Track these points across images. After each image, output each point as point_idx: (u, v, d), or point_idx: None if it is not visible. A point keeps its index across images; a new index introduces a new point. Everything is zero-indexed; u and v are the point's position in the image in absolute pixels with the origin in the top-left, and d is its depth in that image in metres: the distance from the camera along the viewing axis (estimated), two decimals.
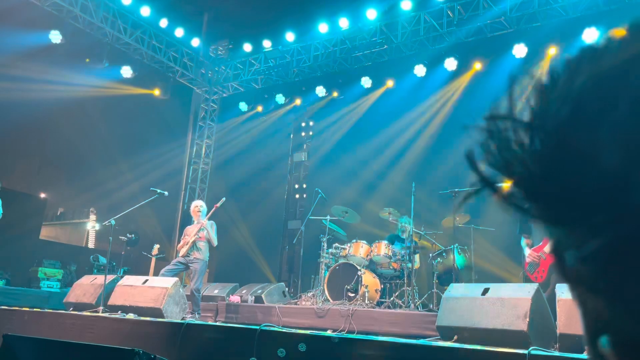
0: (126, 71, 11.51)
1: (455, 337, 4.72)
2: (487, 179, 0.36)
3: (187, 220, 9.24)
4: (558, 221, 0.34)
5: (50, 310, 6.49)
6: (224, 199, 7.54)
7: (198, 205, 7.53)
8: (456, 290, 5.20)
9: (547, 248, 6.13)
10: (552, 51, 8.87)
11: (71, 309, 6.94)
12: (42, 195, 16.10)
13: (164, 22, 11.47)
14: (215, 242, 7.31)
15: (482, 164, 0.37)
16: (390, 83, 10.86)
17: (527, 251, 5.98)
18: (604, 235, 0.31)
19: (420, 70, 10.20)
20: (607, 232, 0.30)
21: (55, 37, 10.55)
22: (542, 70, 0.37)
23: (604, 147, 0.30)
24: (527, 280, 6.07)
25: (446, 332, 4.88)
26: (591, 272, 0.32)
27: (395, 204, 8.34)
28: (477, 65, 9.78)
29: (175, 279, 6.80)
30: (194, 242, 7.16)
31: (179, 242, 7.77)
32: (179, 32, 11.84)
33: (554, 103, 0.34)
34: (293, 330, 4.69)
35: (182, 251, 7.17)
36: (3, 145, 12.40)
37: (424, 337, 5.40)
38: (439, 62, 10.02)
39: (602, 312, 0.33)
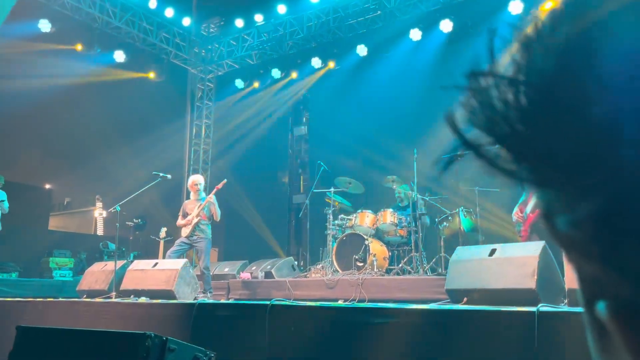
0: (119, 55, 11.40)
1: (465, 299, 4.76)
2: (470, 142, 0.34)
3: None
4: (546, 184, 0.32)
5: (64, 299, 6.58)
6: (225, 180, 7.54)
7: (196, 181, 7.54)
8: (463, 253, 5.22)
9: (529, 206, 6.13)
10: (549, 5, 8.68)
11: (84, 296, 7.04)
12: (47, 186, 16.16)
13: (153, 3, 11.28)
14: (218, 217, 7.34)
15: (465, 126, 0.35)
16: (386, 49, 10.71)
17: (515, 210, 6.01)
18: (595, 197, 0.29)
19: (416, 34, 10.04)
20: (598, 194, 0.28)
21: (45, 26, 10.43)
22: (526, 21, 0.35)
23: (592, 101, 0.28)
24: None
25: (455, 295, 4.92)
26: (584, 237, 0.30)
27: (398, 171, 8.32)
28: (473, 26, 9.60)
29: (185, 260, 6.87)
30: (196, 223, 7.19)
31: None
32: (169, 12, 11.66)
33: (539, 56, 0.32)
34: (303, 303, 4.74)
35: (185, 232, 7.21)
36: (3, 138, 12.39)
37: (435, 301, 5.45)
38: (434, 24, 9.85)
39: (598, 277, 0.31)
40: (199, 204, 7.27)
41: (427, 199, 7.77)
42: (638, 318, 0.30)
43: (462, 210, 7.23)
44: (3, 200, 8.67)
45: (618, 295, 0.30)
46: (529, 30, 0.33)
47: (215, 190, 7.42)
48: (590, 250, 0.30)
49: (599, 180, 0.28)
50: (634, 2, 0.29)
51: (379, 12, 10.44)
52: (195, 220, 7.18)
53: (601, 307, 0.32)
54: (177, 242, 7.34)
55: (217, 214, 7.28)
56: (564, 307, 3.90)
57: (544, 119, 0.30)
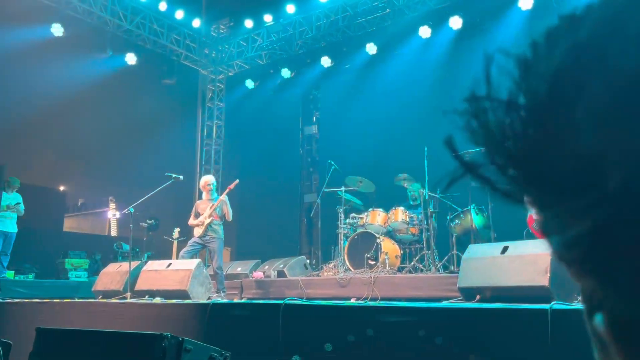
0: (131, 58, 11.51)
1: (478, 297, 4.76)
2: (468, 164, 0.35)
3: None
4: (539, 206, 0.33)
5: (80, 300, 6.67)
6: (237, 180, 7.58)
7: (208, 181, 7.59)
8: (475, 250, 5.21)
9: None
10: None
11: (100, 297, 7.13)
12: (62, 187, 16.37)
13: (163, 6, 11.38)
14: (230, 217, 7.38)
15: (467, 145, 0.36)
16: (395, 48, 10.69)
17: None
18: (584, 221, 0.30)
19: (425, 31, 10.02)
20: (587, 217, 0.30)
21: (57, 30, 10.55)
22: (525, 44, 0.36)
23: (581, 129, 0.29)
24: (529, 237, 6.07)
25: (468, 293, 4.92)
26: (576, 257, 0.32)
27: (409, 170, 8.31)
28: (483, 22, 9.56)
29: (198, 260, 6.92)
30: (209, 224, 7.24)
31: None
32: (179, 14, 11.75)
33: (533, 80, 0.33)
34: (316, 302, 4.77)
35: (198, 232, 7.27)
36: (18, 141, 12.56)
37: (447, 299, 5.45)
38: (443, 21, 9.82)
39: (595, 291, 0.32)
40: (211, 204, 7.32)
41: (439, 196, 7.75)
42: (632, 332, 0.31)
43: (473, 208, 7.21)
44: (19, 203, 8.80)
45: (613, 308, 0.31)
46: (526, 53, 0.34)
47: (227, 190, 7.47)
48: (584, 267, 0.32)
49: (587, 205, 0.29)
50: (621, 30, 0.30)
51: (387, 10, 10.43)
52: (208, 220, 7.23)
53: (599, 319, 0.33)
54: (190, 242, 7.40)
55: (230, 214, 7.33)
56: (577, 305, 3.89)
57: (536, 144, 0.32)
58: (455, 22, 9.65)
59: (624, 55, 0.29)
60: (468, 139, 0.35)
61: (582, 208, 0.30)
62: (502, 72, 0.34)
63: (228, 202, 7.36)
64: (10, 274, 9.16)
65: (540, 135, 0.32)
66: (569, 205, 0.31)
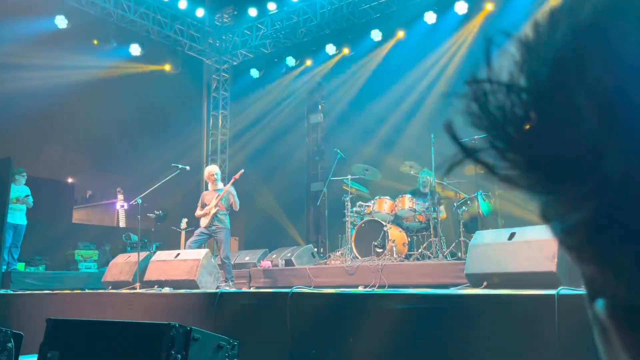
0: (135, 49, 11.51)
1: (485, 284, 4.76)
2: (468, 148, 0.34)
3: None
4: (539, 192, 0.33)
5: (90, 291, 6.74)
6: (242, 170, 7.59)
7: (212, 171, 7.61)
8: (482, 237, 5.20)
9: None
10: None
11: (110, 287, 7.19)
12: (70, 179, 16.47)
13: None
14: (237, 207, 7.40)
15: (467, 129, 0.36)
16: (400, 34, 10.60)
17: None
18: (585, 207, 0.30)
19: (430, 17, 9.92)
20: (588, 204, 0.29)
21: (61, 22, 10.56)
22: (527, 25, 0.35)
23: (582, 114, 0.29)
24: None
25: (475, 279, 4.92)
26: (577, 243, 0.31)
27: (415, 157, 8.28)
28: (489, 6, 9.46)
29: (206, 250, 6.96)
30: (215, 214, 7.26)
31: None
32: (182, 4, 11.70)
33: (535, 63, 0.32)
34: (324, 290, 4.79)
35: (204, 222, 7.29)
36: (25, 134, 12.62)
37: (455, 285, 5.45)
38: (449, 6, 9.72)
39: (596, 276, 0.32)
40: (217, 195, 7.34)
41: (446, 183, 7.73)
42: (633, 317, 0.31)
43: (480, 194, 7.19)
44: (28, 195, 8.87)
45: (615, 294, 0.31)
46: (528, 35, 0.33)
47: (232, 180, 7.48)
48: (584, 254, 0.31)
49: (588, 191, 0.29)
50: (623, 13, 0.29)
51: None
52: (214, 210, 7.25)
53: (600, 305, 0.33)
54: (197, 232, 7.43)
55: (236, 203, 7.35)
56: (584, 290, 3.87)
57: (537, 128, 0.31)
58: (461, 7, 9.55)
59: (626, 39, 0.28)
60: (469, 123, 0.34)
61: (583, 194, 0.29)
62: (504, 54, 0.33)
63: (234, 192, 7.38)
64: (20, 266, 9.26)
65: (541, 119, 0.31)
66: (569, 191, 0.30)
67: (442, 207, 7.69)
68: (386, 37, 10.68)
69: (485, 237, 5.16)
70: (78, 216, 17.14)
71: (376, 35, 10.64)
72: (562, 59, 0.31)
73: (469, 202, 7.41)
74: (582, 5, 0.31)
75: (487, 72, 0.33)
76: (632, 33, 0.28)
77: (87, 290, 6.90)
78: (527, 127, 0.32)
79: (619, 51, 0.28)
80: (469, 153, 0.34)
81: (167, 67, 12.18)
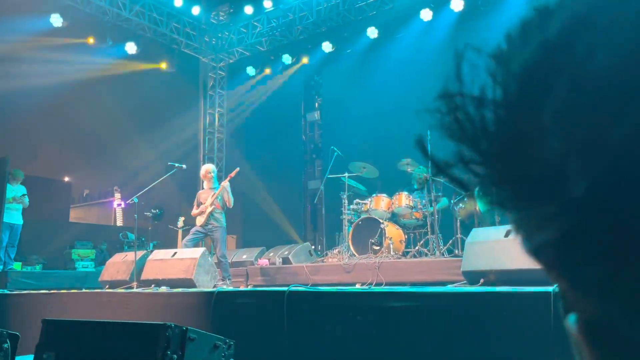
0: (131, 47, 11.47)
1: (482, 281, 4.77)
2: (439, 164, 0.34)
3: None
4: (508, 208, 0.32)
5: (87, 290, 6.73)
6: (238, 168, 7.58)
7: (209, 169, 7.60)
8: (478, 234, 5.22)
9: None
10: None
11: (107, 286, 7.19)
12: (66, 178, 16.42)
13: None
14: (232, 204, 7.38)
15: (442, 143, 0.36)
16: (397, 31, 10.60)
17: None
18: (549, 228, 0.29)
19: (426, 14, 9.92)
20: (552, 225, 0.29)
21: (57, 20, 10.52)
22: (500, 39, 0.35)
23: (547, 132, 0.28)
24: None
25: (472, 277, 4.93)
26: (545, 261, 0.31)
27: (413, 155, 8.28)
28: (485, 3, 9.46)
29: (203, 248, 6.96)
30: (210, 212, 7.24)
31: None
32: (178, 2, 11.67)
33: (505, 76, 0.31)
34: (321, 288, 4.79)
35: (200, 221, 7.28)
36: (22, 133, 12.58)
37: (452, 282, 5.47)
38: (445, 3, 9.72)
39: (567, 292, 0.32)
40: (212, 193, 7.33)
41: (442, 180, 7.73)
42: (600, 334, 0.31)
43: (477, 191, 7.19)
44: (24, 195, 8.85)
45: (584, 310, 0.31)
46: (500, 47, 0.33)
47: (228, 178, 7.47)
48: (554, 272, 0.31)
49: (552, 212, 0.29)
50: (590, 30, 0.28)
51: None
52: (210, 209, 7.24)
53: (571, 320, 0.33)
54: (192, 230, 7.42)
55: (230, 200, 7.32)
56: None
57: (505, 144, 0.31)
58: (457, 4, 9.55)
59: (591, 58, 0.28)
60: (442, 136, 0.34)
61: (548, 215, 0.29)
62: (476, 67, 0.33)
63: (229, 189, 7.36)
64: (17, 266, 9.24)
65: (509, 135, 0.31)
66: (534, 212, 0.30)
67: (440, 198, 7.69)
68: (382, 34, 10.68)
69: (482, 234, 5.17)
70: (75, 215, 17.09)
71: (372, 32, 10.64)
72: (530, 75, 0.30)
73: (466, 198, 7.42)
74: (550, 21, 0.31)
75: (459, 85, 0.33)
76: (598, 52, 0.27)
77: (84, 290, 6.89)
78: (497, 142, 0.31)
79: (584, 70, 0.28)
80: (442, 168, 0.34)
81: (163, 65, 12.15)
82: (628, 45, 0.27)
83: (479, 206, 7.13)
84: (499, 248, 4.73)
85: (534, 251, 0.31)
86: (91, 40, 11.26)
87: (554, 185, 0.28)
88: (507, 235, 4.77)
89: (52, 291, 6.65)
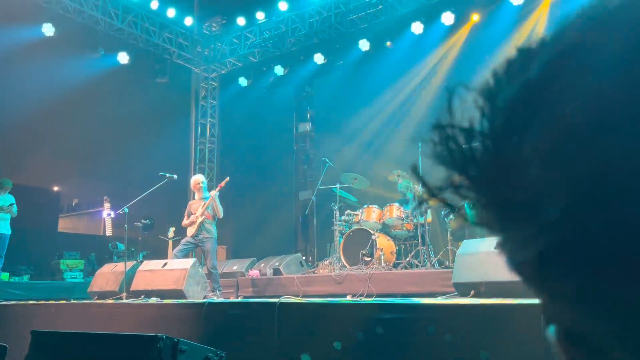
0: (123, 57, 11.47)
1: (472, 292, 4.79)
2: (433, 189, 0.38)
3: None
4: (493, 229, 0.36)
5: (76, 301, 6.67)
6: (227, 178, 7.58)
7: (198, 180, 7.58)
8: (469, 246, 5.24)
9: None
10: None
11: (96, 297, 7.12)
12: (56, 188, 16.30)
13: (154, 4, 11.33)
14: (221, 214, 7.36)
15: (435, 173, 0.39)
16: (388, 44, 10.70)
17: None
18: (529, 247, 0.32)
19: (417, 27, 10.02)
20: (532, 244, 0.32)
21: (48, 30, 10.50)
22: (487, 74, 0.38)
23: (528, 163, 0.32)
24: None
25: (462, 288, 4.95)
26: (527, 276, 0.34)
27: (403, 166, 8.33)
28: (475, 17, 9.59)
29: (194, 259, 6.93)
30: (201, 222, 7.21)
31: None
32: (171, 13, 11.70)
33: (491, 111, 0.35)
34: (312, 300, 4.79)
35: (191, 231, 7.24)
36: (11, 142, 12.50)
37: (442, 294, 5.48)
38: (436, 17, 9.83)
39: (547, 305, 0.35)
40: (203, 204, 7.31)
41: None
42: (576, 344, 0.34)
43: (468, 203, 7.23)
44: (12, 204, 8.76)
45: (563, 322, 0.35)
46: (488, 83, 0.36)
47: (218, 188, 7.46)
48: (534, 286, 0.34)
49: (532, 232, 0.32)
50: (565, 75, 0.32)
51: (380, 6, 10.43)
52: (200, 219, 7.21)
53: (551, 331, 0.36)
54: (183, 241, 7.37)
55: (219, 210, 7.30)
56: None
57: (492, 172, 0.34)
58: (448, 18, 9.67)
59: (564, 99, 0.31)
60: (435, 163, 0.37)
61: (528, 235, 0.32)
62: (465, 102, 0.37)
63: (217, 199, 7.33)
64: (5, 276, 9.13)
65: (494, 164, 0.34)
66: (518, 232, 0.33)
67: (429, 212, 7.72)
68: (374, 47, 10.77)
69: (473, 246, 5.20)
70: (64, 225, 16.95)
71: (364, 45, 10.72)
72: (513, 111, 0.34)
73: (459, 218, 7.44)
74: (531, 62, 0.34)
75: (450, 118, 0.37)
76: (570, 94, 0.31)
77: (72, 301, 6.82)
78: (484, 170, 0.35)
79: (558, 109, 0.31)
80: (434, 192, 0.38)
81: (156, 76, 12.14)
82: (594, 89, 0.30)
83: (469, 221, 7.16)
84: (489, 260, 4.75)
85: (517, 268, 0.35)
86: (83, 50, 11.24)
87: (533, 209, 0.32)
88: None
89: (40, 302, 6.58)
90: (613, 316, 0.30)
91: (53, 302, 6.45)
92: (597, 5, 0.33)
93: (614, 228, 0.29)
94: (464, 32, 9.82)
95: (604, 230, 0.29)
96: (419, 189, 7.61)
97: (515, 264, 0.35)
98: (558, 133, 0.31)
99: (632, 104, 0.29)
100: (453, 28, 9.81)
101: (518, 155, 0.32)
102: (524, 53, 0.36)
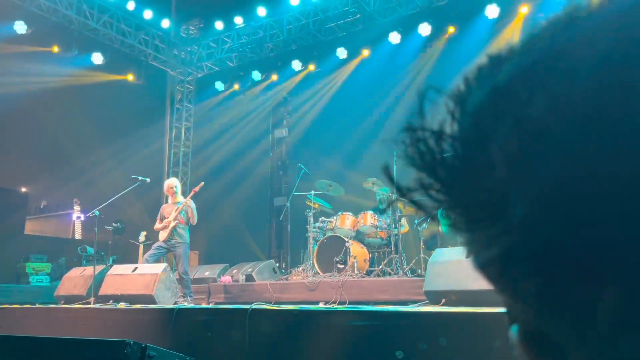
0: (97, 58, 11.29)
1: (443, 301, 4.83)
2: (403, 189, 0.38)
3: None
4: (459, 229, 0.37)
5: (41, 306, 6.49)
6: (202, 183, 7.51)
7: (172, 184, 7.50)
8: (441, 254, 5.29)
9: None
10: (524, 10, 8.87)
11: (62, 302, 6.95)
12: (23, 189, 15.86)
13: (131, 5, 11.19)
14: (195, 221, 7.28)
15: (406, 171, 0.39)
16: (365, 53, 10.79)
17: None
18: (493, 246, 0.33)
19: (395, 37, 10.13)
20: (496, 243, 0.33)
21: (21, 27, 10.27)
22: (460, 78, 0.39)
23: (494, 166, 0.33)
24: None
25: (434, 297, 4.99)
26: (490, 276, 0.35)
27: (378, 174, 8.37)
28: (451, 29, 9.74)
29: (165, 264, 6.83)
30: (174, 227, 7.12)
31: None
32: (148, 14, 11.57)
33: (460, 115, 0.36)
34: (283, 307, 4.76)
35: (163, 236, 7.14)
36: None
37: (414, 302, 5.52)
38: (413, 28, 9.96)
39: (510, 305, 0.36)
40: (176, 208, 7.22)
41: (408, 200, 7.82)
42: (539, 344, 0.35)
43: (440, 212, 7.31)
44: None
45: (525, 322, 0.35)
46: (459, 87, 0.37)
47: (192, 193, 7.39)
48: (498, 286, 0.35)
49: (496, 232, 0.33)
50: (531, 81, 0.33)
51: (358, 15, 10.51)
52: (173, 224, 7.12)
53: (514, 330, 0.37)
54: (154, 245, 7.26)
55: (194, 217, 7.23)
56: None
57: (460, 173, 0.35)
58: (425, 29, 9.80)
59: (530, 104, 0.32)
60: (406, 164, 0.38)
61: (492, 235, 0.33)
62: (436, 105, 0.38)
63: (193, 206, 7.26)
64: None
65: (462, 165, 0.35)
66: (482, 232, 0.34)
67: (404, 221, 7.78)
68: (351, 55, 10.85)
69: (444, 255, 5.25)
70: (31, 227, 16.49)
71: (342, 53, 10.79)
72: (482, 115, 0.35)
73: (429, 219, 7.52)
74: (499, 69, 0.36)
75: (421, 120, 0.38)
76: (536, 99, 0.32)
77: (37, 305, 6.64)
78: (452, 172, 0.36)
79: (524, 114, 0.32)
80: (404, 193, 0.38)
81: (130, 77, 11.98)
82: (562, 93, 0.31)
83: (441, 227, 7.25)
84: (460, 269, 4.80)
85: (481, 267, 0.36)
86: (55, 49, 11.02)
87: (498, 210, 0.33)
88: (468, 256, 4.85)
89: (4, 306, 6.39)
90: (573, 316, 0.31)
91: (17, 306, 6.27)
92: (566, 14, 0.34)
93: (576, 229, 0.30)
94: (440, 44, 9.96)
95: (566, 231, 0.30)
96: (392, 196, 7.67)
97: (480, 264, 0.36)
98: (524, 135, 0.32)
99: (598, 108, 0.30)
100: (430, 39, 9.96)
101: (485, 157, 0.33)
102: (494, 59, 0.37)
